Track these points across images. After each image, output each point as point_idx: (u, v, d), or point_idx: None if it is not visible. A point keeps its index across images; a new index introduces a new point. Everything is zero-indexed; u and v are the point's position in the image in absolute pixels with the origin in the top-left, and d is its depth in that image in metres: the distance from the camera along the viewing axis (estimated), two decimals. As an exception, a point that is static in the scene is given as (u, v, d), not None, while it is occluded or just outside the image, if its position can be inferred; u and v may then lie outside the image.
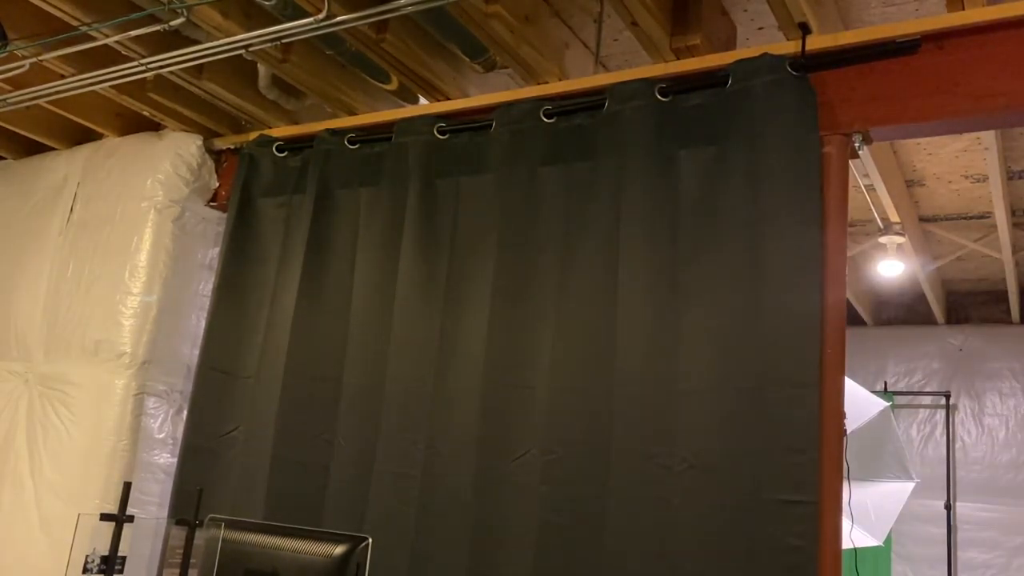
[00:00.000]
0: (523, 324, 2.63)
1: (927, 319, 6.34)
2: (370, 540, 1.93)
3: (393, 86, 3.18)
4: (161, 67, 2.93)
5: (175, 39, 2.89)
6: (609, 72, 2.97)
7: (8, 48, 2.83)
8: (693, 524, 2.23)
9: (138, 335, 3.23)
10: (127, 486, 2.09)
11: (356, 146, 3.16)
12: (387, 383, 2.81)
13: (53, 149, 3.94)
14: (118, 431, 3.10)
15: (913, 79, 2.34)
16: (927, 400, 6.29)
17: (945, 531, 5.96)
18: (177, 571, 2.01)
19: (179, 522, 2.05)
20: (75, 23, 2.80)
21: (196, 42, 2.85)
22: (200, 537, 2.02)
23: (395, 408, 2.77)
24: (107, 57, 3.03)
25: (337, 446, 2.86)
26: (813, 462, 2.12)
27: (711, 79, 2.53)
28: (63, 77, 3.13)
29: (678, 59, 2.64)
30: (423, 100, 3.22)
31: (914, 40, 2.33)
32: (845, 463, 2.20)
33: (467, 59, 2.94)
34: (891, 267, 5.09)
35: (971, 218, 4.94)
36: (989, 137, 3.58)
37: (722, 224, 2.40)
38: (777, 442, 2.16)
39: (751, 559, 2.13)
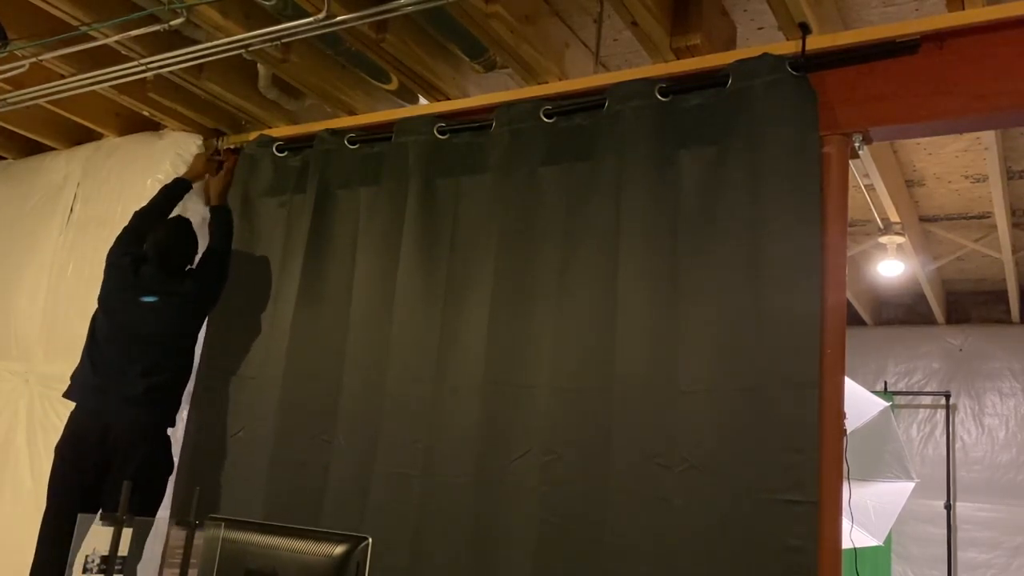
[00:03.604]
0: (523, 324, 2.62)
1: (927, 319, 6.35)
2: (370, 540, 1.93)
3: (393, 86, 3.18)
4: (161, 67, 2.93)
5: (175, 39, 2.89)
6: (609, 72, 2.97)
7: (8, 48, 2.83)
8: (693, 524, 2.23)
9: (138, 335, 3.22)
10: (128, 486, 2.09)
11: (356, 146, 3.16)
12: (387, 383, 2.81)
13: (53, 149, 3.94)
14: (118, 431, 3.08)
15: (913, 79, 2.34)
16: (927, 400, 6.29)
17: (945, 531, 5.96)
18: (177, 571, 2.00)
19: (179, 522, 2.05)
20: (75, 23, 2.79)
21: (196, 42, 2.85)
22: (200, 537, 2.02)
23: (395, 408, 2.77)
24: (107, 57, 3.03)
25: (337, 446, 2.86)
26: (813, 462, 2.12)
27: (711, 79, 2.53)
28: (63, 77, 3.13)
29: (678, 59, 2.64)
30: (423, 100, 3.22)
31: (914, 40, 2.33)
32: (845, 463, 2.20)
33: (467, 59, 2.94)
34: (891, 267, 5.09)
35: (971, 218, 4.94)
36: (989, 137, 3.58)
37: (722, 224, 2.40)
38: (777, 442, 2.16)
39: (751, 559, 2.13)
